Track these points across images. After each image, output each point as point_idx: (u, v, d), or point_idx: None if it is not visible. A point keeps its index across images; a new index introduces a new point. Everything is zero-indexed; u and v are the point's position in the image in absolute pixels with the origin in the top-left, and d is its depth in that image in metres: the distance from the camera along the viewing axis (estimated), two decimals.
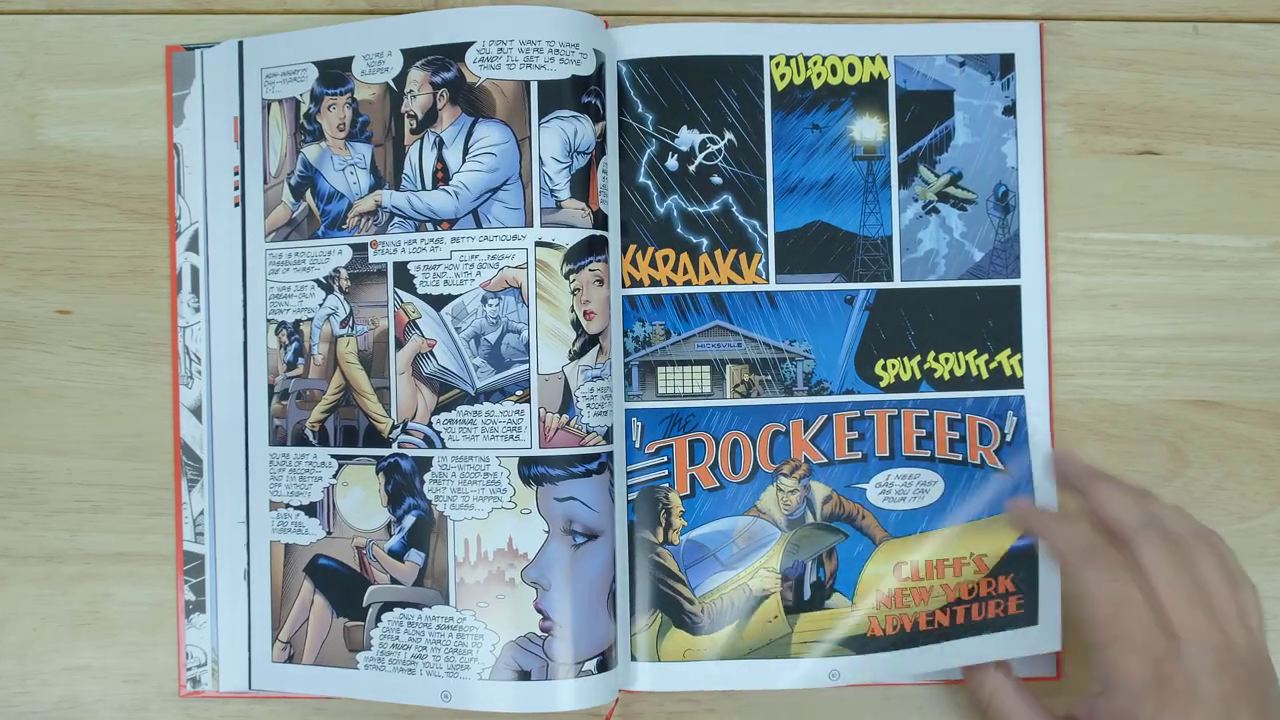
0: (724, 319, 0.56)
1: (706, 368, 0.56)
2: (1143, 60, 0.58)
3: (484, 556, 0.53)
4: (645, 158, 0.57)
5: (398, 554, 0.54)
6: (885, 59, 0.57)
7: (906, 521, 0.56)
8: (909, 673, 0.56)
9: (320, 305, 0.56)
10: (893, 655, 0.55)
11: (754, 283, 0.57)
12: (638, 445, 0.56)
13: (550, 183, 0.53)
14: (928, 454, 0.56)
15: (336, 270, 0.56)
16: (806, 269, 0.57)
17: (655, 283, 0.56)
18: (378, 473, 0.55)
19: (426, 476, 0.54)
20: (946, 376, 0.57)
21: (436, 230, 0.54)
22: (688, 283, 0.56)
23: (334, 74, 0.55)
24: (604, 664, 0.52)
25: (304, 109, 0.56)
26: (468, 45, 0.53)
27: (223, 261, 0.57)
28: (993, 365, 0.57)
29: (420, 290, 0.54)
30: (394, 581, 0.54)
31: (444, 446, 0.54)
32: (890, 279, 0.57)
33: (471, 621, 0.53)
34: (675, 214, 0.57)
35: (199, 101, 0.57)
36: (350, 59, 0.55)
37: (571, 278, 0.53)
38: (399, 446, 0.54)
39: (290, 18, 0.58)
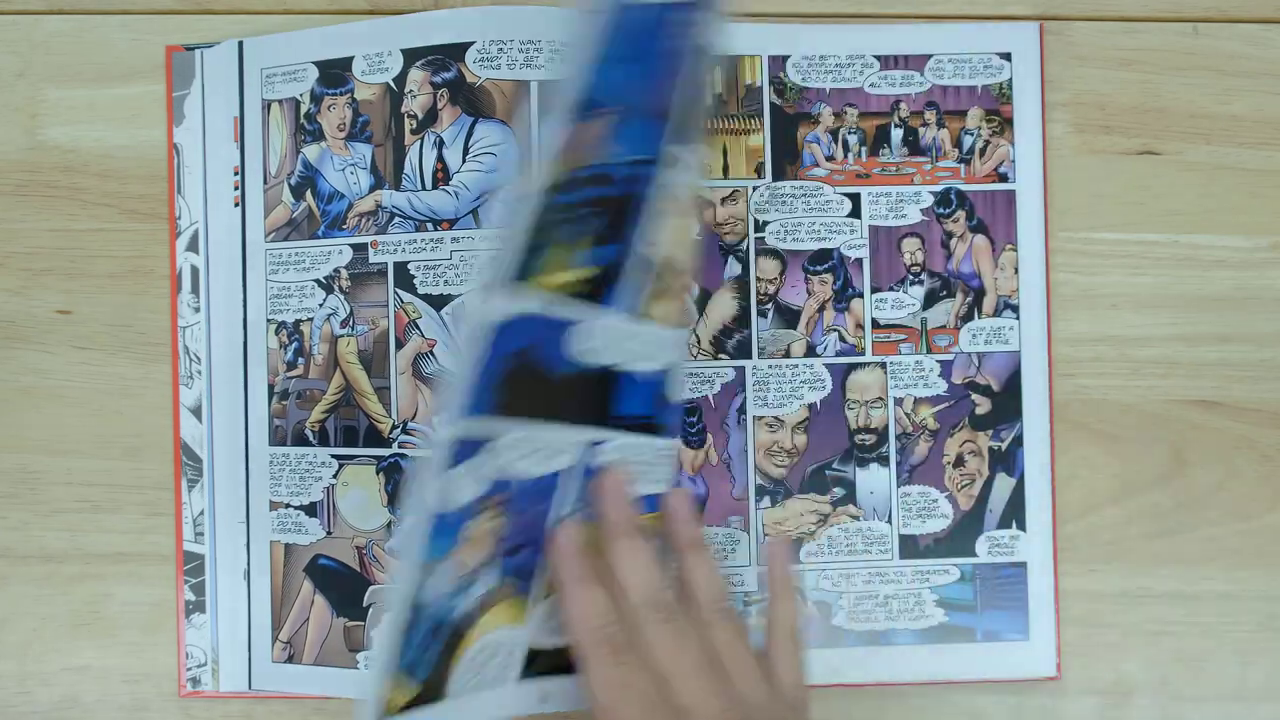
0: None
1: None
2: (1143, 60, 0.58)
3: None
4: None
5: (398, 554, 0.54)
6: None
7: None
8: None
9: (320, 305, 0.56)
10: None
11: None
12: None
13: None
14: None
15: (337, 270, 0.56)
16: None
17: None
18: (378, 473, 0.55)
19: None
20: None
21: (437, 230, 0.54)
22: None
23: (334, 74, 0.55)
24: None
25: (304, 109, 0.56)
26: (468, 45, 0.53)
27: (223, 261, 0.57)
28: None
29: (420, 290, 0.54)
30: None
31: None
32: None
33: None
34: None
35: (199, 101, 0.57)
36: (350, 59, 0.55)
37: None
38: (399, 446, 0.54)
39: (290, 18, 0.58)
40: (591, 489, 0.46)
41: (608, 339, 0.46)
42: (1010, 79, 0.58)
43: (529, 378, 0.45)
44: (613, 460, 0.46)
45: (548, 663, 0.46)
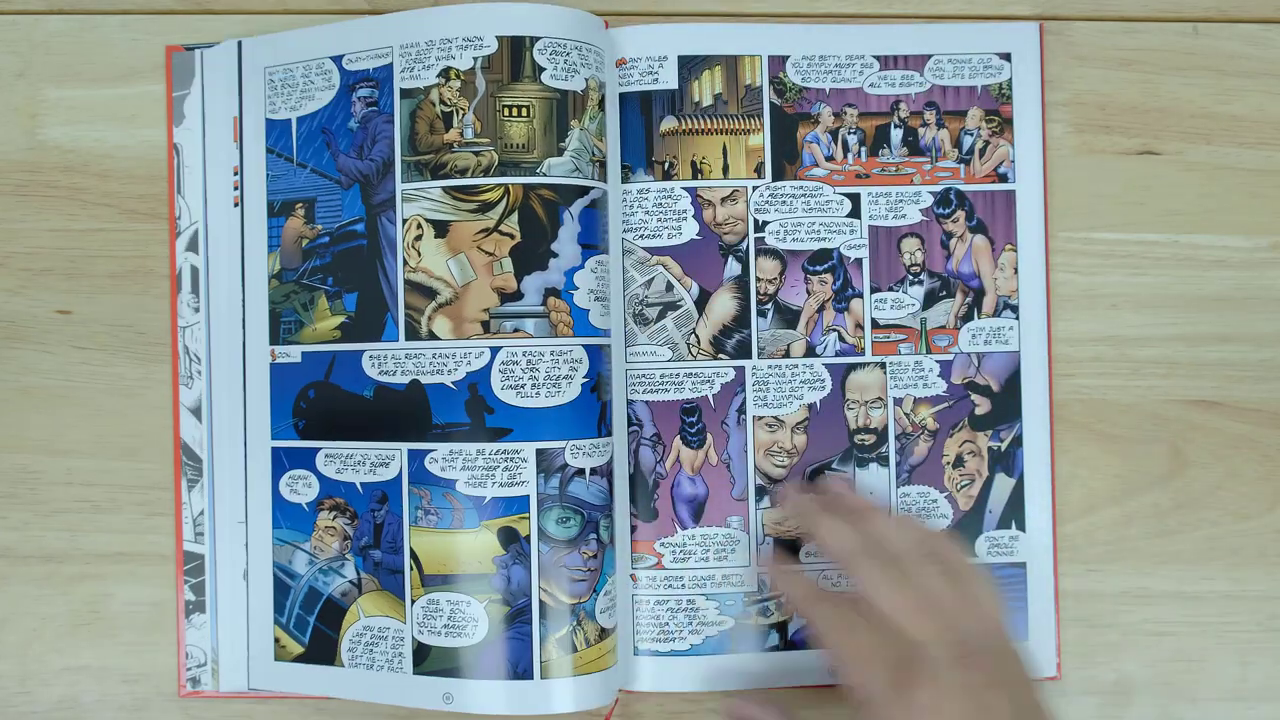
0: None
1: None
2: (1143, 60, 0.58)
3: None
4: None
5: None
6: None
7: None
8: None
9: None
10: None
11: None
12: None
13: None
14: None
15: None
16: None
17: None
18: None
19: None
20: None
21: None
22: None
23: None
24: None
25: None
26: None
27: (223, 261, 0.57)
28: None
29: None
30: None
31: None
32: None
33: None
34: None
35: (199, 101, 0.57)
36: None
37: None
38: None
39: (290, 17, 0.58)
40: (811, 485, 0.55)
41: (397, 360, 0.53)
42: (1010, 79, 0.58)
43: (333, 402, 0.54)
44: (440, 463, 0.53)
45: (440, 663, 0.52)
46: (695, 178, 0.57)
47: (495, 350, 0.52)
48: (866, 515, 0.52)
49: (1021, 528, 0.57)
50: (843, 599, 0.49)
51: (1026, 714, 0.45)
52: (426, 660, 0.53)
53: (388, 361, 0.53)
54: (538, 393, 0.52)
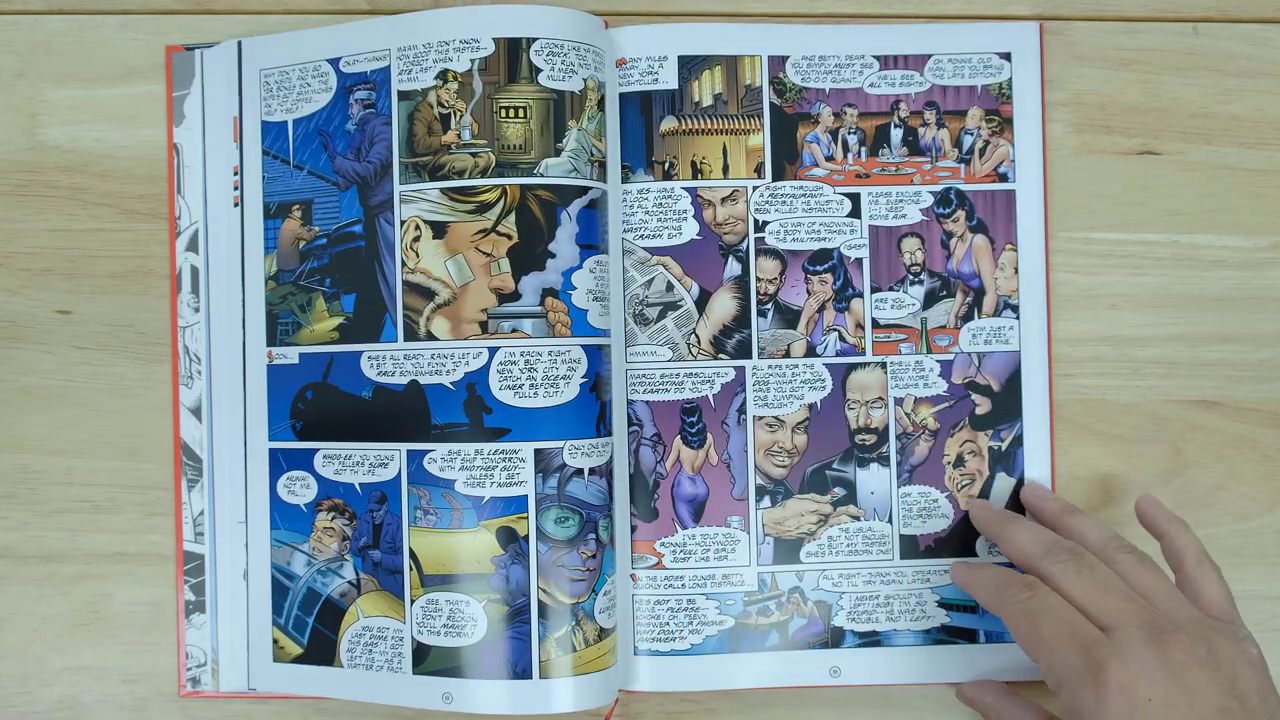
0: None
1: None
2: (1143, 60, 0.58)
3: None
4: None
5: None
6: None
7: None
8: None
9: None
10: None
11: None
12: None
13: None
14: None
15: None
16: None
17: None
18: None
19: None
20: None
21: None
22: None
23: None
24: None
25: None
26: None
27: (223, 261, 0.57)
28: None
29: None
30: None
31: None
32: None
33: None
34: None
35: (199, 101, 0.57)
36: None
37: None
38: None
39: (290, 18, 0.58)
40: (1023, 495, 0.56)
41: (396, 360, 0.53)
42: (1010, 79, 0.58)
43: (331, 403, 0.54)
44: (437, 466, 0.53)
45: (439, 663, 0.52)
46: (695, 178, 0.57)
47: (493, 351, 0.52)
48: (1061, 513, 0.53)
49: None
50: (1037, 587, 0.49)
51: (1245, 698, 0.44)
52: (426, 660, 0.53)
53: (386, 362, 0.53)
54: (536, 393, 0.52)
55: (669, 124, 0.57)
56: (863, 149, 0.57)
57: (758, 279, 0.57)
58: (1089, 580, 0.48)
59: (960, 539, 0.57)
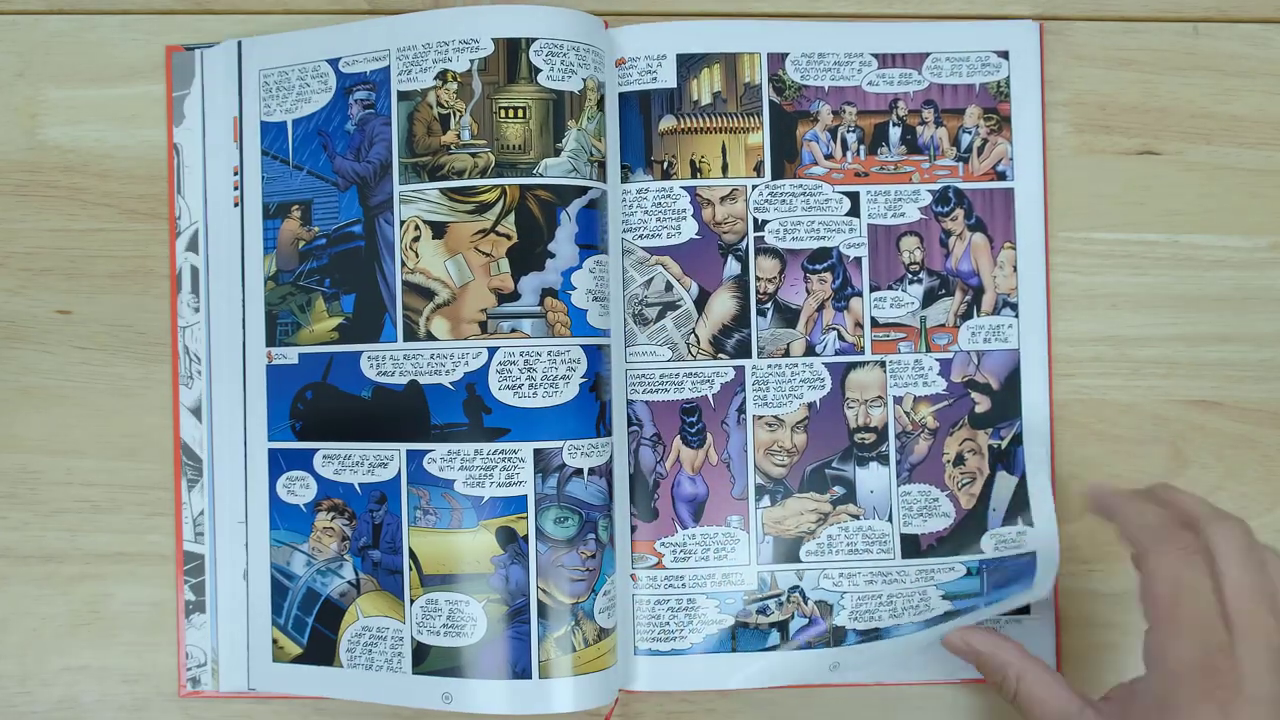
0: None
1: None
2: (1143, 60, 0.58)
3: None
4: None
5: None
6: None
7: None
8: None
9: None
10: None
11: None
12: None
13: None
14: None
15: None
16: None
17: None
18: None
19: None
20: None
21: None
22: None
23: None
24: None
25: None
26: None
27: (223, 261, 0.57)
28: None
29: None
30: None
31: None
32: None
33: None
34: None
35: (199, 101, 0.57)
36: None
37: None
38: None
39: (290, 18, 0.58)
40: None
41: (395, 360, 0.53)
42: (1008, 76, 0.58)
43: (331, 403, 0.54)
44: (440, 463, 0.53)
45: (439, 663, 0.52)
46: (694, 177, 0.57)
47: (493, 351, 0.52)
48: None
49: (1029, 524, 0.57)
50: (1187, 547, 0.45)
51: None
52: (426, 660, 0.53)
53: (386, 362, 0.53)
54: (535, 393, 0.52)
55: (668, 123, 0.57)
56: (861, 147, 0.57)
57: (757, 278, 0.57)
58: (1249, 575, 0.44)
59: (962, 538, 0.57)
